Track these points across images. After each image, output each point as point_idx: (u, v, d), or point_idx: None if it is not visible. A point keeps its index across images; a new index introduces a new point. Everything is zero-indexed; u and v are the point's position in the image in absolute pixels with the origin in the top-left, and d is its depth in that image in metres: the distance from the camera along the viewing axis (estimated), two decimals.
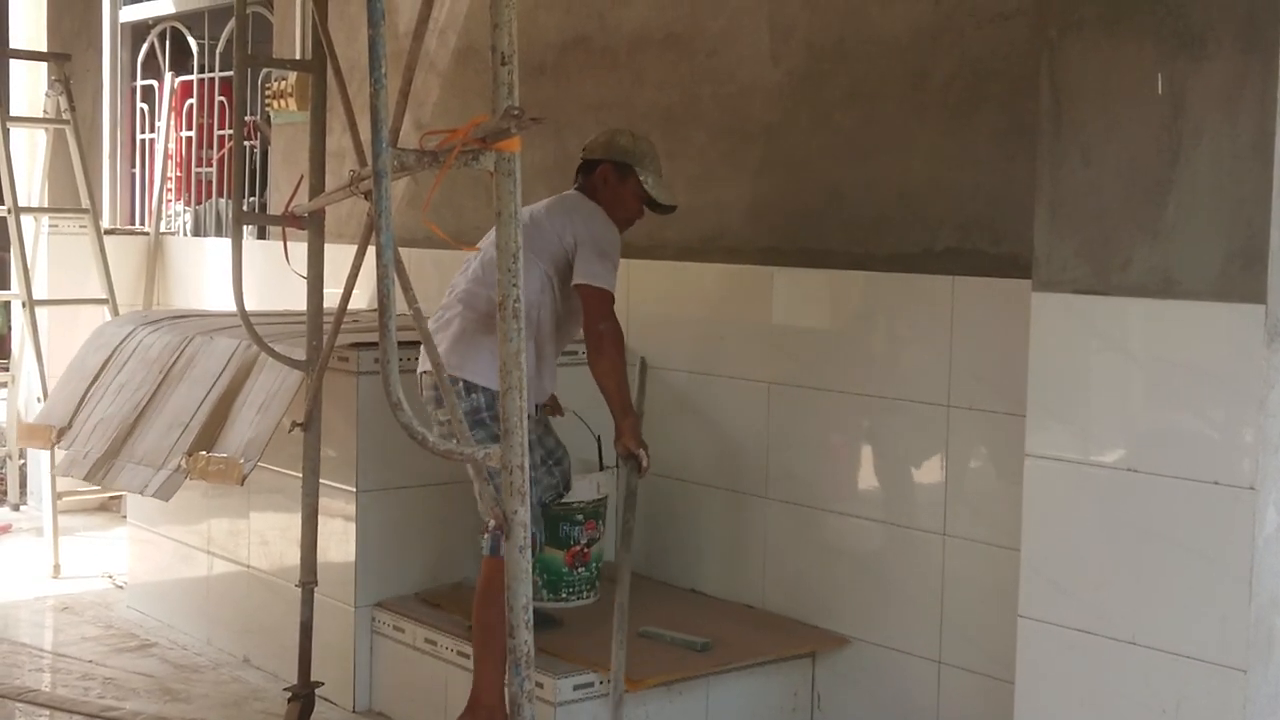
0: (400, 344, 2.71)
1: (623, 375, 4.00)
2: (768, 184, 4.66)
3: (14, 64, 7.95)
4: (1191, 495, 2.94)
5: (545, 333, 4.03)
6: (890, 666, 4.22)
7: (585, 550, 4.52)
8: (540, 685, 3.88)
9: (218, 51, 7.61)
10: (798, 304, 4.57)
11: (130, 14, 8.26)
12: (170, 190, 8.02)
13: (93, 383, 5.40)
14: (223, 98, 7.68)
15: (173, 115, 7.82)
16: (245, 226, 4.64)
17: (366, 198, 3.47)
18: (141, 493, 4.79)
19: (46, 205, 7.53)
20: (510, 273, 2.63)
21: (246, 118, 7.22)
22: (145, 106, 8.24)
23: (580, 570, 4.53)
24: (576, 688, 3.93)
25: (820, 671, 4.38)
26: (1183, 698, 2.97)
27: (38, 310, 6.92)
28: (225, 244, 6.73)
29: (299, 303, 4.44)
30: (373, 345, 4.43)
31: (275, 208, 6.97)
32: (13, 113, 7.54)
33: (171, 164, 7.97)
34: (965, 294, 4.04)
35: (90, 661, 5.06)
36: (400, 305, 3.20)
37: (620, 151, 4.18)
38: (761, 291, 4.62)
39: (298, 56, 6.53)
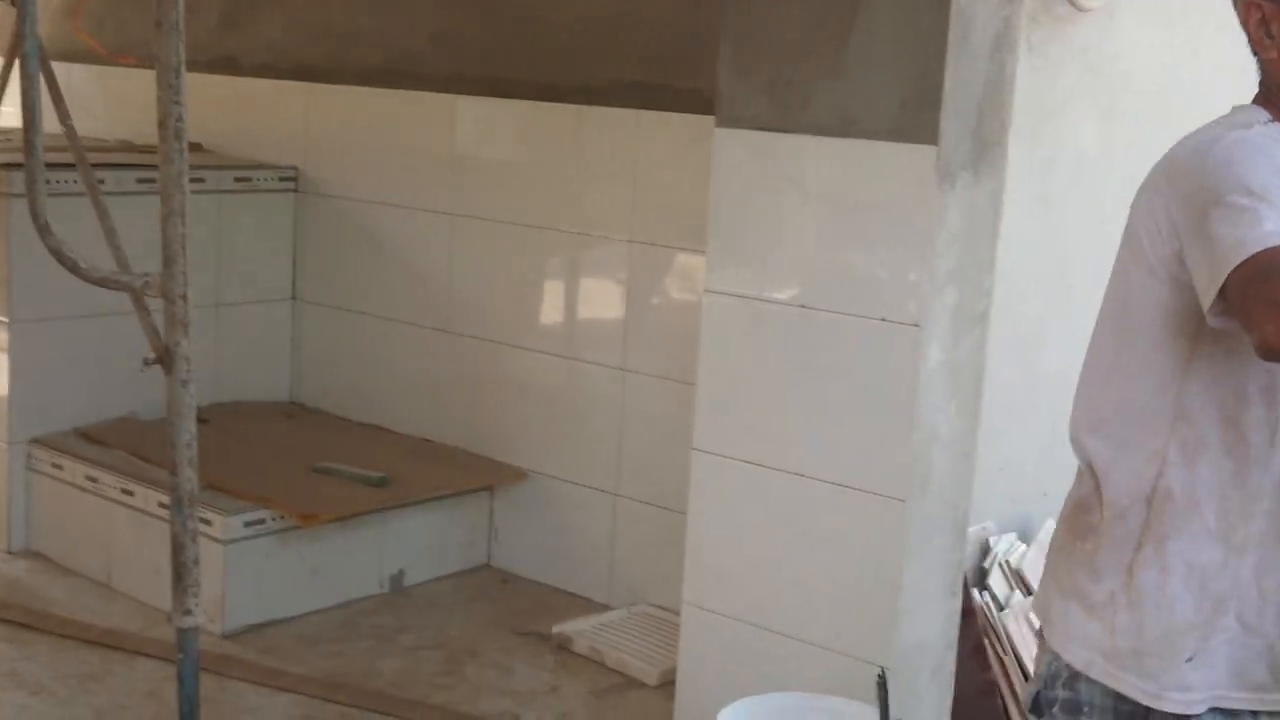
0: (50, 165, 2.52)
1: None
2: (453, 9, 4.51)
3: None
4: (860, 332, 3.01)
5: (1220, 464, 1.88)
6: (568, 500, 4.26)
7: None
8: (208, 522, 3.76)
9: None
10: (483, 134, 4.46)
11: None
12: None
13: None
14: None
15: None
16: None
17: (12, 4, 3.19)
18: None
19: None
20: (171, 89, 2.46)
21: None
22: None
23: None
24: (248, 524, 3.83)
25: (498, 505, 4.39)
26: (847, 527, 3.08)
27: None
28: None
29: None
30: (21, 165, 4.12)
31: None
32: None
33: None
34: (651, 129, 4.01)
35: None
36: (52, 124, 2.96)
37: None
38: (445, 120, 4.49)
39: None
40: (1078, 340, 3.80)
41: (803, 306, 3.09)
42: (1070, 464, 3.81)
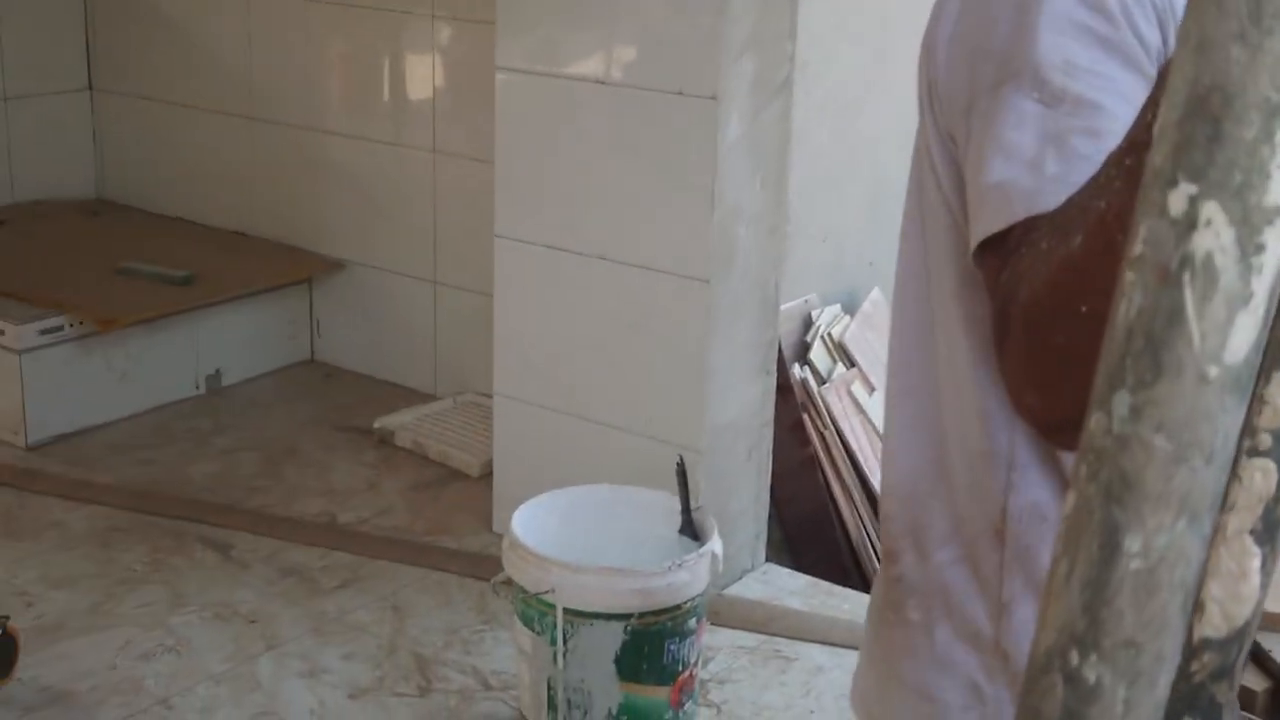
0: None
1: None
2: None
3: None
4: (657, 106, 2.86)
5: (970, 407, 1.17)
6: (389, 289, 4.11)
7: (693, 675, 2.60)
8: (0, 331, 3.58)
9: None
10: None
11: None
12: None
13: None
14: None
15: None
16: None
17: None
18: None
19: None
20: None
21: None
22: None
23: (688, 707, 2.59)
24: (43, 332, 3.63)
25: (318, 297, 4.22)
26: (650, 309, 2.98)
27: None
28: None
29: None
30: None
31: None
32: None
33: None
34: None
35: None
36: None
37: None
38: None
39: None
40: (897, 102, 3.70)
41: (597, 81, 2.93)
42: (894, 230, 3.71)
